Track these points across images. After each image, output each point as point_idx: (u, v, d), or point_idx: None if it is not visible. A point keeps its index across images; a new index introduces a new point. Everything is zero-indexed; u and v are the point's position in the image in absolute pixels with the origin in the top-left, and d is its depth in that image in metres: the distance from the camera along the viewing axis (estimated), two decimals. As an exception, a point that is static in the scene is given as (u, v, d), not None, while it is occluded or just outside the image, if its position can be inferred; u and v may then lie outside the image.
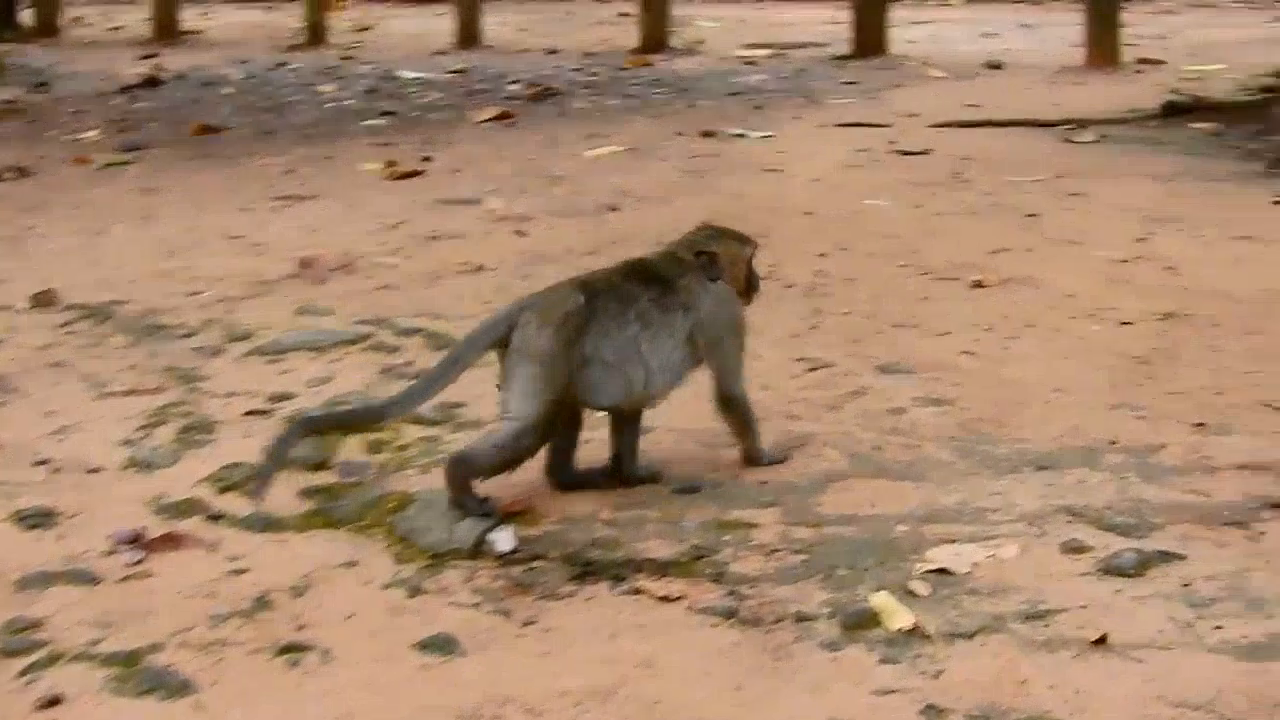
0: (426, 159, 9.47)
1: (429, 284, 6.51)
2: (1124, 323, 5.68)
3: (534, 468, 4.12)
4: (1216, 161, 8.75)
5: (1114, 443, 4.45)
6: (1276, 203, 7.68)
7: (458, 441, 4.42)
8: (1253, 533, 3.83)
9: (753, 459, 4.22)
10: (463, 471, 3.89)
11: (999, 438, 4.52)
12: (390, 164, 9.24)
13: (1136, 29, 14.37)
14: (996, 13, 16.92)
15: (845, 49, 14.24)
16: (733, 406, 4.16)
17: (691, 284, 4.04)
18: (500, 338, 3.88)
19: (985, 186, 8.25)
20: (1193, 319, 5.71)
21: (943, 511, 4.01)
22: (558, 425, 3.94)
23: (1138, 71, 12.60)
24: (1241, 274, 6.32)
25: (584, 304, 3.87)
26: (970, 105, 11.15)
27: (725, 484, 4.20)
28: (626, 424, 4.10)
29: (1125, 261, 6.53)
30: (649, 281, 4.01)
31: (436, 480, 4.10)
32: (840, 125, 10.50)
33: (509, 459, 3.90)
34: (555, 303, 3.89)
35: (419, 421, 4.59)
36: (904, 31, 15.33)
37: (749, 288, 4.24)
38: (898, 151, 9.38)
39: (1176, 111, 10.05)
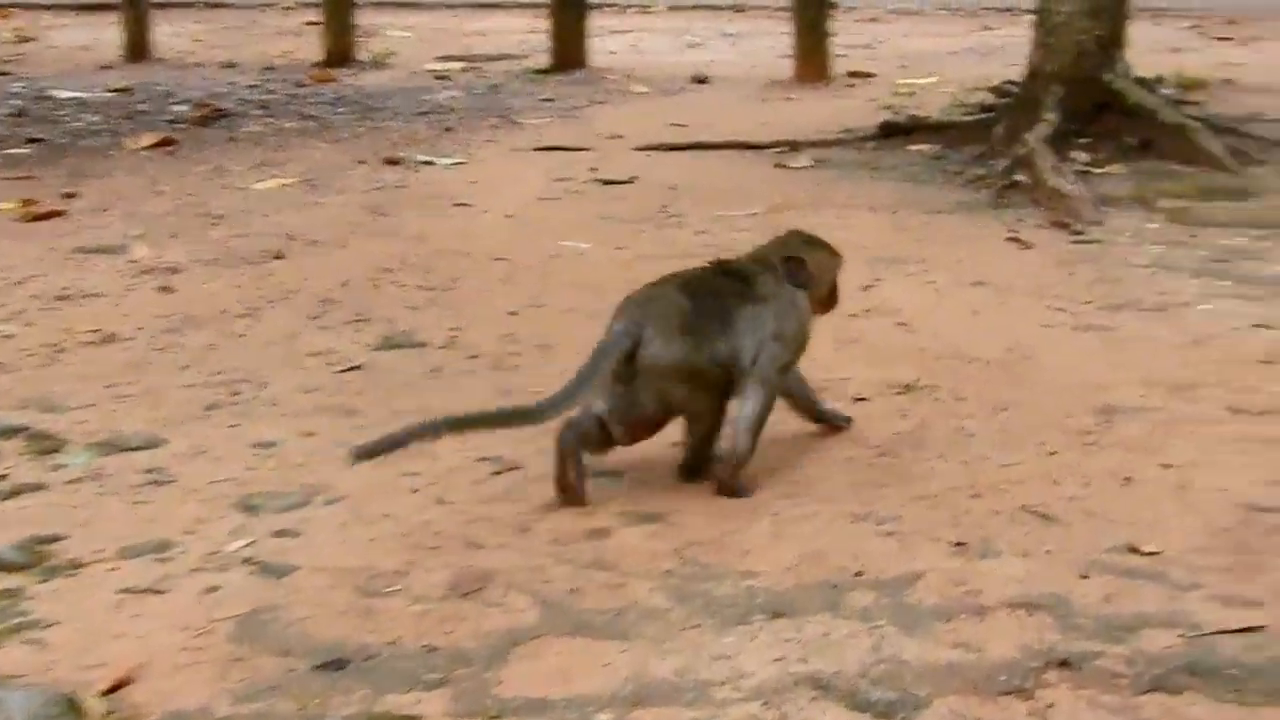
0: (70, 195, 8.32)
1: (47, 361, 5.45)
2: (859, 398, 4.93)
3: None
4: (941, 190, 8.12)
5: (860, 574, 3.66)
6: (1011, 239, 7.02)
7: (41, 596, 3.46)
8: (1038, 705, 3.06)
9: (729, 470, 4.14)
10: (733, 473, 4.14)
11: (721, 569, 3.69)
12: (27, 203, 8.05)
13: (844, 38, 13.81)
14: (700, 20, 16.23)
15: (544, 61, 13.34)
16: (759, 392, 4.13)
17: (771, 283, 4.16)
18: (623, 355, 3.93)
19: (696, 223, 7.48)
20: (936, 391, 4.98)
21: (656, 686, 3.16)
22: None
23: (849, 85, 12.01)
24: (981, 329, 5.64)
25: (688, 303, 3.97)
26: (676, 125, 10.38)
27: (381, 653, 3.29)
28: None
29: (853, 316, 5.77)
30: (735, 279, 4.13)
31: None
32: (538, 149, 9.64)
33: (755, 438, 4.13)
34: (666, 308, 3.98)
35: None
36: (605, 41, 14.52)
37: (829, 301, 4.50)
38: (600, 180, 8.55)
39: (894, 132, 9.43)
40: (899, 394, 4.97)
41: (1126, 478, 4.22)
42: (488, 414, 4.09)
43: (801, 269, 4.26)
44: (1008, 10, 15.61)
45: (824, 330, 5.41)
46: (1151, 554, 3.74)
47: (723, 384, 4.05)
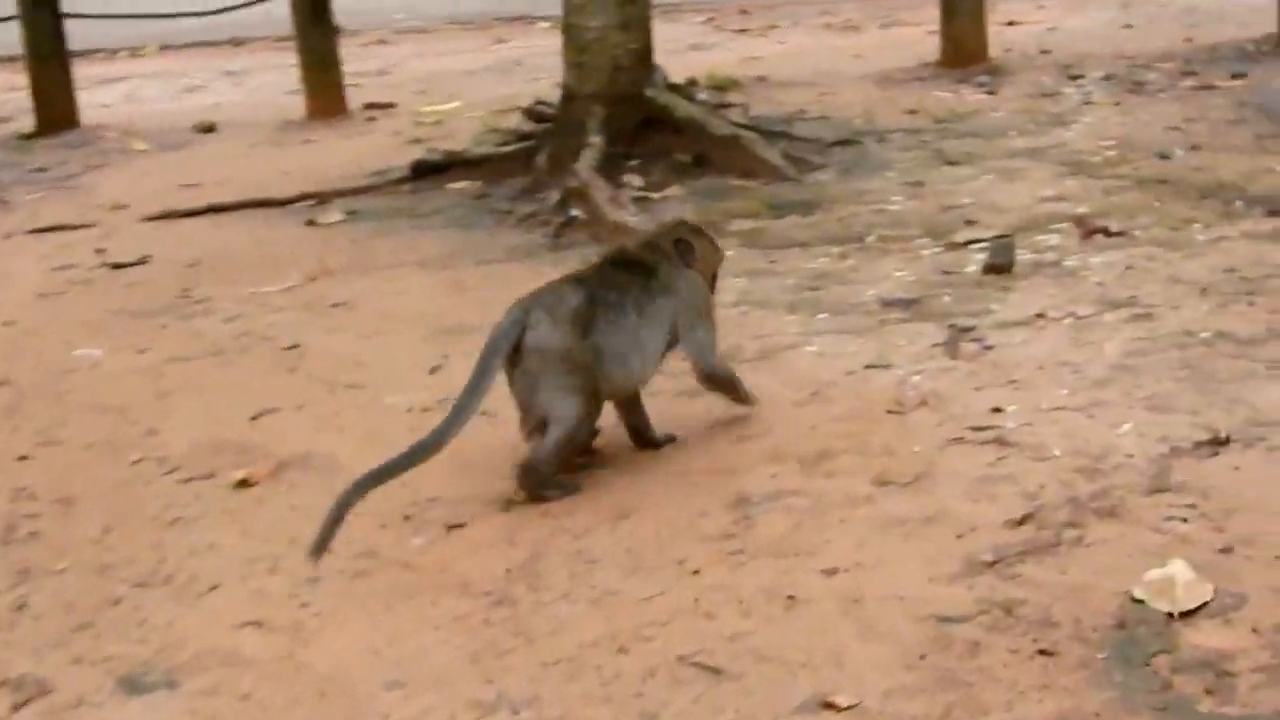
0: None
1: None
2: (454, 525, 4.16)
3: None
4: (492, 234, 7.39)
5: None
6: (580, 288, 6.33)
7: None
8: None
9: (745, 402, 4.65)
10: (534, 481, 4.18)
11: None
12: None
13: (355, 65, 12.94)
14: (198, 60, 15.03)
15: (29, 124, 11.97)
16: (717, 378, 4.54)
17: (670, 269, 4.35)
18: (515, 341, 4.07)
19: (226, 306, 6.55)
20: (539, 505, 4.22)
21: None
22: (598, 413, 4.25)
23: (370, 119, 11.14)
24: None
25: (586, 299, 4.13)
26: (188, 185, 9.32)
27: None
28: (631, 405, 4.42)
29: (428, 410, 5.00)
30: (634, 270, 4.31)
31: None
32: (34, 231, 8.45)
33: (567, 457, 4.21)
34: (560, 300, 4.14)
35: None
36: (96, 94, 13.21)
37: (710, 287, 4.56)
38: (109, 264, 7.48)
39: (428, 171, 8.64)
40: (502, 512, 4.21)
41: (789, 596, 3.59)
42: (398, 462, 4.04)
43: (691, 252, 4.44)
44: (520, 19, 15.01)
45: (398, 430, 4.66)
46: (849, 708, 3.09)
47: (595, 394, 4.21)
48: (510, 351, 4.11)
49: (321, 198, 8.60)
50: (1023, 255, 6.01)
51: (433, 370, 5.47)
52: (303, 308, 6.50)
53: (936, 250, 6.28)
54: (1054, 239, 6.25)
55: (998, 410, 4.60)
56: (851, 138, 8.38)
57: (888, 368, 5.03)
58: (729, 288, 6.03)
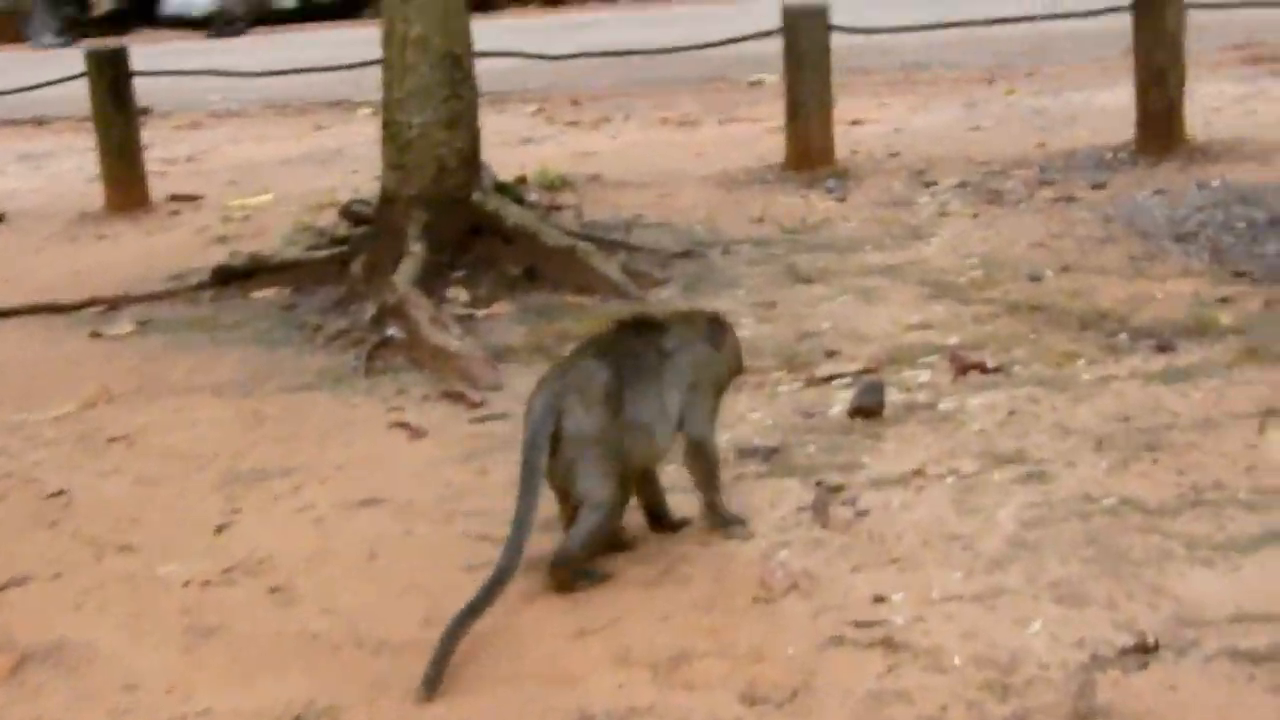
0: None
1: None
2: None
3: None
4: (299, 354, 6.62)
5: None
6: (397, 425, 5.60)
7: None
8: None
9: (714, 509, 4.36)
10: (569, 575, 4.07)
11: None
12: None
13: (162, 150, 12.11)
14: (-8, 141, 14.09)
15: None
16: (704, 452, 4.30)
17: (690, 334, 4.28)
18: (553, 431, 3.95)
19: (-14, 438, 5.68)
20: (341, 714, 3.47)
21: None
22: (630, 493, 4.18)
23: (173, 213, 10.27)
24: (391, 588, 4.18)
25: (614, 374, 4.04)
26: (-38, 285, 8.40)
27: None
28: (649, 482, 4.32)
29: (208, 584, 4.22)
30: (651, 332, 4.24)
31: None
32: None
33: (602, 542, 4.12)
34: (590, 379, 4.05)
35: None
36: (-124, 177, 12.22)
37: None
38: None
39: (232, 277, 7.85)
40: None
41: None
42: (481, 600, 3.81)
43: (721, 337, 4.38)
44: (340, 104, 14.24)
45: (176, 616, 3.88)
46: None
47: (627, 479, 4.14)
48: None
49: (112, 304, 7.80)
50: (892, 395, 5.37)
51: (219, 529, 4.71)
52: (76, 441, 5.68)
53: (795, 386, 5.64)
54: (925, 375, 5.64)
55: (881, 599, 3.94)
56: (695, 249, 7.74)
57: (749, 539, 4.34)
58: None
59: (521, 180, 9.66)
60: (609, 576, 4.11)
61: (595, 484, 4.02)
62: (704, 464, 4.30)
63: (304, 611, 4.12)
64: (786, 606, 3.94)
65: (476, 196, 7.43)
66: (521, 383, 5.92)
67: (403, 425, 5.62)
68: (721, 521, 4.36)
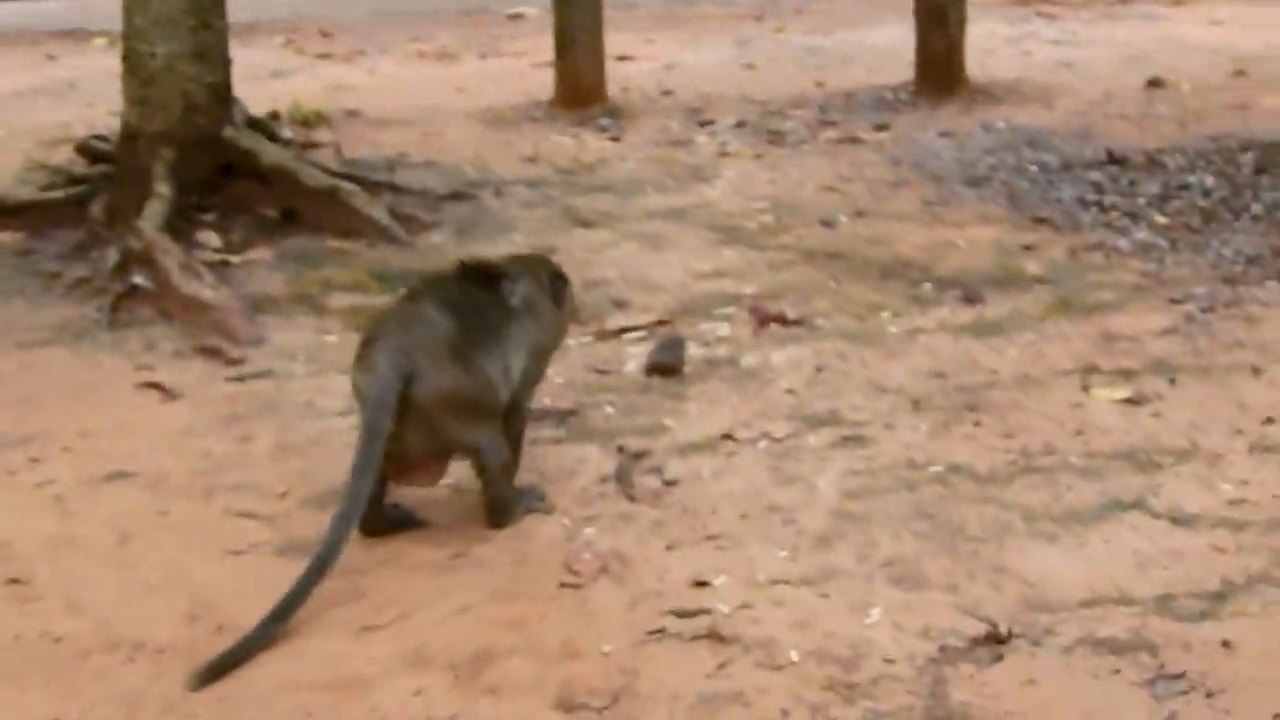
0: None
1: None
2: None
3: None
4: (36, 304, 6.00)
5: None
6: (147, 385, 5.05)
7: None
8: None
9: (501, 492, 3.89)
10: (510, 516, 3.86)
11: None
12: None
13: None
14: None
15: None
16: (523, 420, 4.01)
17: (533, 289, 4.00)
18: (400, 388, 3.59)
19: None
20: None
21: None
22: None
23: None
24: (164, 590, 3.68)
25: (457, 324, 3.74)
26: None
27: None
28: None
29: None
30: (493, 283, 3.92)
31: None
32: None
33: (513, 467, 3.93)
34: (435, 334, 3.71)
35: None
36: None
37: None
38: None
39: (-41, 219, 7.11)
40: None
41: None
42: (301, 586, 3.38)
43: (564, 289, 4.15)
44: (70, 34, 13.32)
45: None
46: None
47: (498, 406, 3.83)
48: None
49: None
50: (690, 349, 5.00)
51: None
52: None
53: (585, 340, 5.21)
54: (723, 328, 5.27)
55: (702, 584, 3.57)
56: (466, 190, 7.24)
57: (550, 513, 3.92)
58: (333, 390, 4.83)
59: (274, 116, 9.02)
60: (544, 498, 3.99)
61: (474, 434, 3.76)
62: (517, 433, 4.00)
63: (46, 609, 3.59)
64: (598, 594, 3.55)
65: (228, 133, 6.83)
66: (283, 337, 5.42)
67: (153, 386, 5.07)
68: (514, 498, 3.93)
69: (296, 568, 3.51)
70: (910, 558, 3.63)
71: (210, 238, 6.52)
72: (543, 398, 4.66)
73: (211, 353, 5.37)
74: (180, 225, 6.45)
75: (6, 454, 4.53)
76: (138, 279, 5.99)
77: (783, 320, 5.29)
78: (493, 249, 6.12)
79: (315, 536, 3.61)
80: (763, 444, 4.31)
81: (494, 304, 3.88)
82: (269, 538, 3.87)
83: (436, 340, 3.70)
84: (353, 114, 9.47)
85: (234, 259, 6.35)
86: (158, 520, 4.06)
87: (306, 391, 4.90)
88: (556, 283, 4.11)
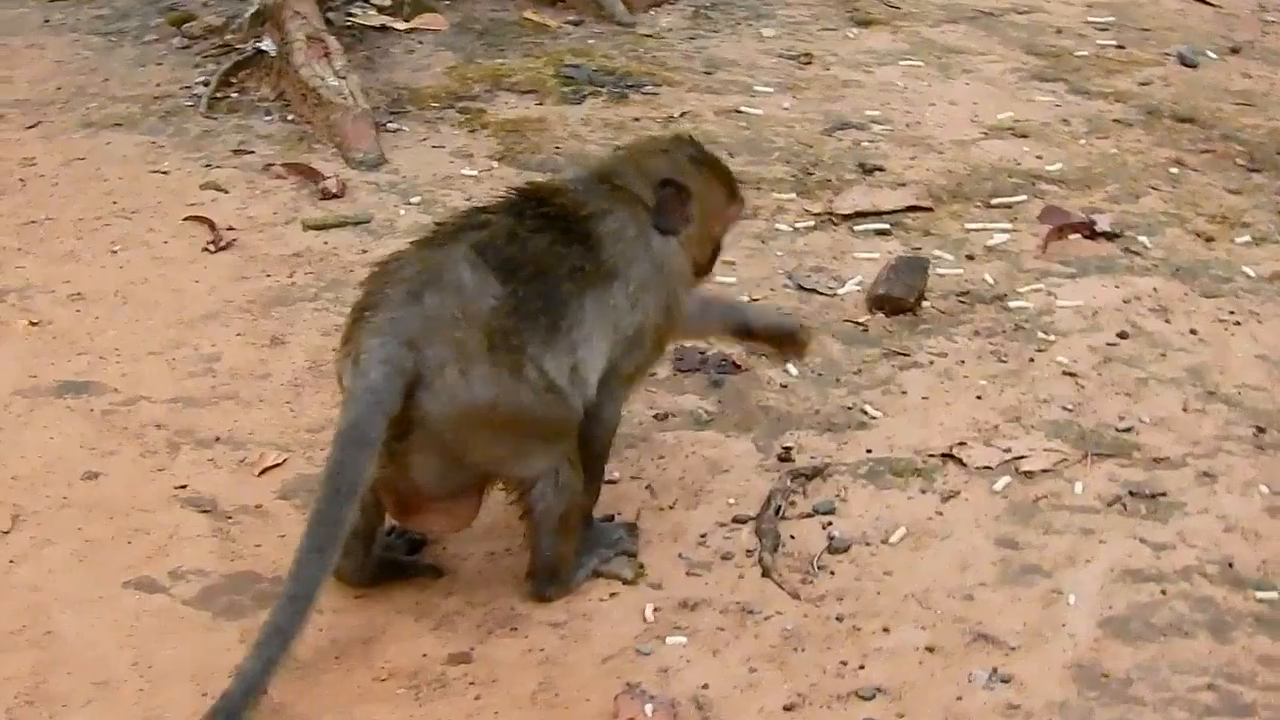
0: None
1: None
2: None
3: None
4: (141, 60, 4.90)
5: None
6: (197, 220, 3.78)
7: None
8: None
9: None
10: (562, 588, 2.51)
11: None
12: None
13: None
14: None
15: None
16: (598, 439, 2.57)
17: (632, 235, 2.56)
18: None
19: None
20: None
21: None
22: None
23: None
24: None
25: (502, 294, 2.39)
26: None
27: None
28: None
29: None
30: (568, 229, 2.50)
31: None
32: None
33: (581, 512, 2.52)
34: (465, 312, 2.36)
35: None
36: None
37: (707, 265, 2.72)
38: None
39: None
40: None
41: None
42: (265, 661, 2.19)
43: (681, 205, 2.59)
44: None
45: None
46: None
47: (567, 425, 2.47)
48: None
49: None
50: (941, 267, 3.43)
51: None
52: None
53: (803, 223, 3.69)
54: (1000, 229, 3.67)
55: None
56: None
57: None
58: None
59: None
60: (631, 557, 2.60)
61: (525, 461, 2.47)
62: (595, 460, 2.60)
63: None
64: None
65: None
66: (411, 159, 4.06)
67: (201, 221, 3.71)
68: (573, 558, 2.56)
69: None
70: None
71: (375, -1, 5.08)
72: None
73: (305, 174, 3.98)
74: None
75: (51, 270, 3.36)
76: (265, 43, 4.62)
77: (1088, 231, 3.65)
78: (722, 51, 4.58)
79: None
80: (1003, 482, 2.75)
81: (564, 256, 2.48)
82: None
83: (462, 319, 2.37)
84: None
85: (399, 25, 4.91)
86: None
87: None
88: (665, 193, 2.60)
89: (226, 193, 3.90)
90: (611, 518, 2.69)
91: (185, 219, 3.75)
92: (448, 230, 2.52)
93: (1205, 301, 3.39)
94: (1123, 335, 3.27)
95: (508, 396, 2.38)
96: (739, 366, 3.14)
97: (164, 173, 4.01)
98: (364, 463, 2.29)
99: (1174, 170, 3.99)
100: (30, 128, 4.28)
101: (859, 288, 3.42)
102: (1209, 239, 3.66)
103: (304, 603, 2.23)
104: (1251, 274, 3.50)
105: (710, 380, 3.11)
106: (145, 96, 4.48)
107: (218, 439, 2.92)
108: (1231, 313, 3.34)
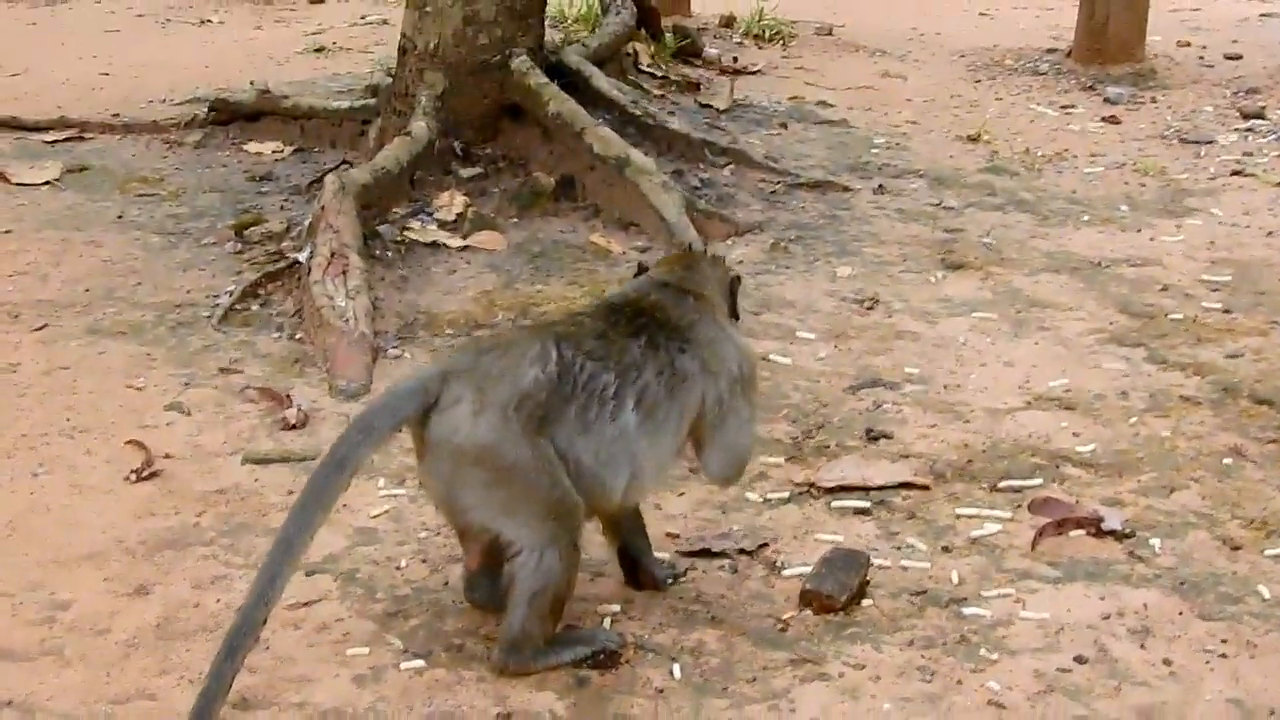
0: None
1: None
2: None
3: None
4: (183, 264, 4.77)
5: None
6: (134, 445, 3.57)
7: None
8: None
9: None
10: (522, 663, 2.67)
11: None
12: None
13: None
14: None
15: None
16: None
17: (709, 327, 2.85)
18: (402, 423, 2.63)
19: None
20: None
21: None
22: (581, 530, 2.69)
23: None
24: None
25: (551, 373, 2.63)
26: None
27: None
28: (617, 524, 2.92)
29: None
30: (646, 323, 2.78)
31: None
32: None
33: (556, 599, 2.67)
34: (507, 371, 2.63)
35: None
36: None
37: None
38: None
39: (235, 115, 5.92)
40: None
41: None
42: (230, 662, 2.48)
43: (734, 293, 3.04)
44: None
45: None
46: None
47: (568, 513, 2.64)
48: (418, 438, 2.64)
49: (80, 129, 5.88)
50: (913, 550, 3.04)
51: None
52: None
53: (778, 493, 3.30)
54: (994, 518, 3.22)
55: None
56: (831, 180, 5.31)
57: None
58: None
59: (727, 22, 7.41)
60: (617, 643, 2.75)
61: (519, 523, 2.64)
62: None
63: None
64: None
65: (516, 63, 5.14)
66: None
67: (137, 446, 3.50)
68: (540, 638, 2.73)
69: None
70: None
71: (449, 202, 4.91)
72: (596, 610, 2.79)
73: (275, 400, 3.76)
74: (428, 174, 4.93)
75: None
76: (303, 255, 4.47)
77: (1094, 529, 3.17)
78: (792, 285, 4.27)
79: None
80: None
81: (652, 358, 2.74)
82: None
83: (503, 379, 2.61)
84: (824, 32, 7.61)
85: (453, 242, 4.72)
86: None
87: (342, 519, 3.20)
88: (734, 289, 3.04)
89: (188, 415, 3.69)
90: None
91: (126, 443, 3.54)
92: (545, 323, 2.92)
93: (1199, 625, 2.88)
94: (1080, 660, 2.79)
95: (508, 451, 2.56)
96: (618, 656, 2.76)
97: (138, 389, 3.82)
98: (362, 444, 2.56)
99: (1227, 461, 3.48)
100: (36, 330, 4.16)
101: (800, 575, 3.01)
102: (1235, 547, 3.15)
103: (287, 547, 2.49)
104: (1267, 595, 2.98)
105: (576, 678, 2.73)
106: (167, 304, 4.34)
107: (9, 703, 2.65)
108: (1224, 641, 2.83)
